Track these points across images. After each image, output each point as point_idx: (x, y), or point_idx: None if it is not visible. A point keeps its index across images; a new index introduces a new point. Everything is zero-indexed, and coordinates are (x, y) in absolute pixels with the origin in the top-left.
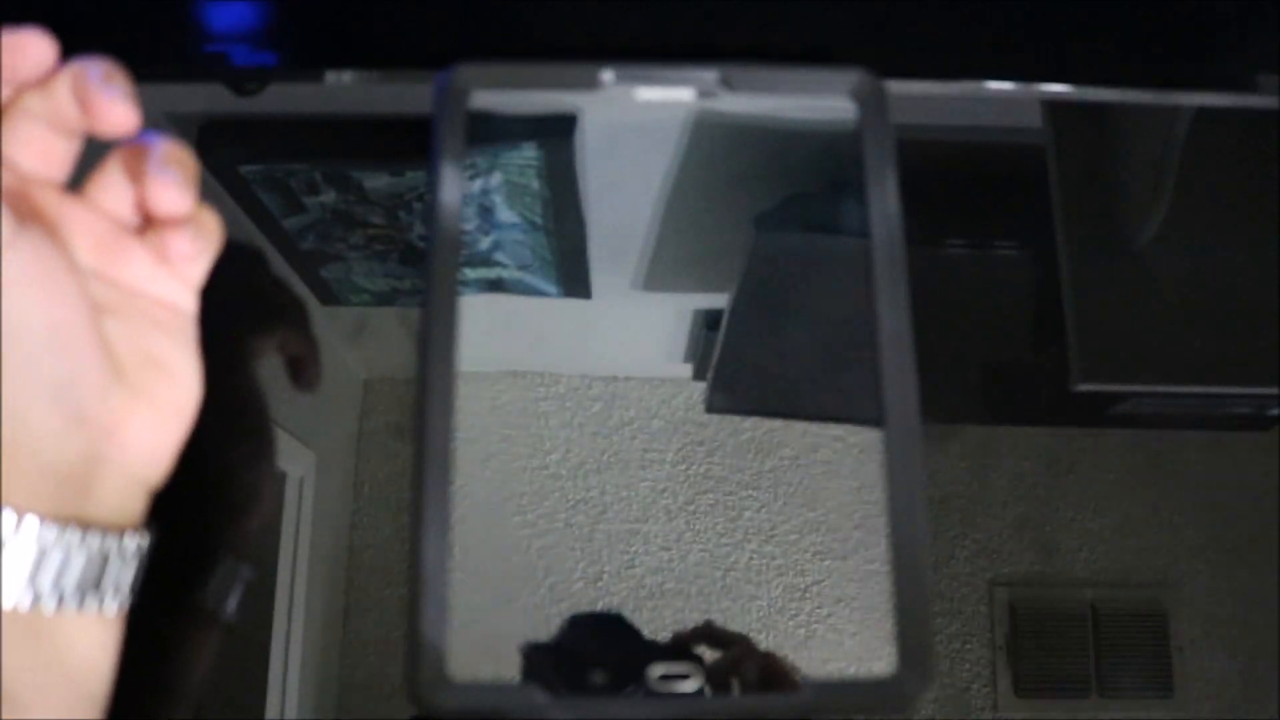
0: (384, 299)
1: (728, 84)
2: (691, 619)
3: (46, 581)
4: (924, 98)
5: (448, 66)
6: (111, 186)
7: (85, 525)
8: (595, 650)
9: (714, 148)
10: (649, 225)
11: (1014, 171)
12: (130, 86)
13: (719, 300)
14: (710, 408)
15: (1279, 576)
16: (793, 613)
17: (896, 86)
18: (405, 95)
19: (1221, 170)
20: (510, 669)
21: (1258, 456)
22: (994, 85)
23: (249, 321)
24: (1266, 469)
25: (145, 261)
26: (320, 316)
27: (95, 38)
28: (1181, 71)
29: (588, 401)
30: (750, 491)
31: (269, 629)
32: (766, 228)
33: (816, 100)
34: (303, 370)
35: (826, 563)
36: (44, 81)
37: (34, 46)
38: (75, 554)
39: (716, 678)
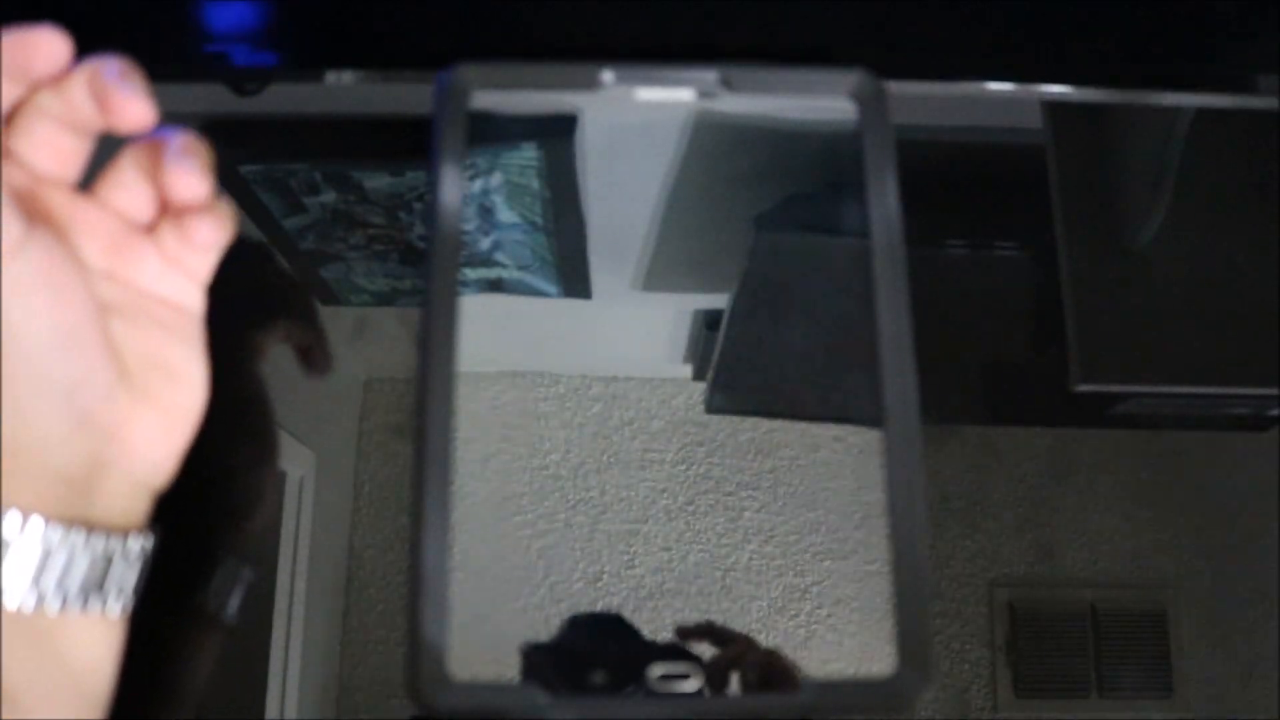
0: (384, 299)
1: (728, 84)
2: (691, 619)
3: (50, 582)
4: (924, 98)
5: (448, 66)
6: (123, 185)
7: (90, 527)
8: (595, 650)
9: (714, 148)
10: (649, 225)
11: (1014, 172)
12: (145, 83)
13: (719, 300)
14: (710, 408)
15: (1279, 576)
16: (793, 613)
17: (896, 86)
18: (405, 95)
19: (1221, 170)
20: (510, 669)
21: (1258, 456)
22: (994, 86)
23: (253, 318)
24: (1266, 469)
25: (155, 261)
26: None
27: (95, 37)
28: (1181, 72)
29: (588, 402)
30: (750, 491)
31: (269, 629)
32: (766, 228)
33: (816, 100)
34: (313, 357)
35: (826, 563)
36: (58, 80)
37: (47, 44)
38: (79, 555)
39: (717, 675)
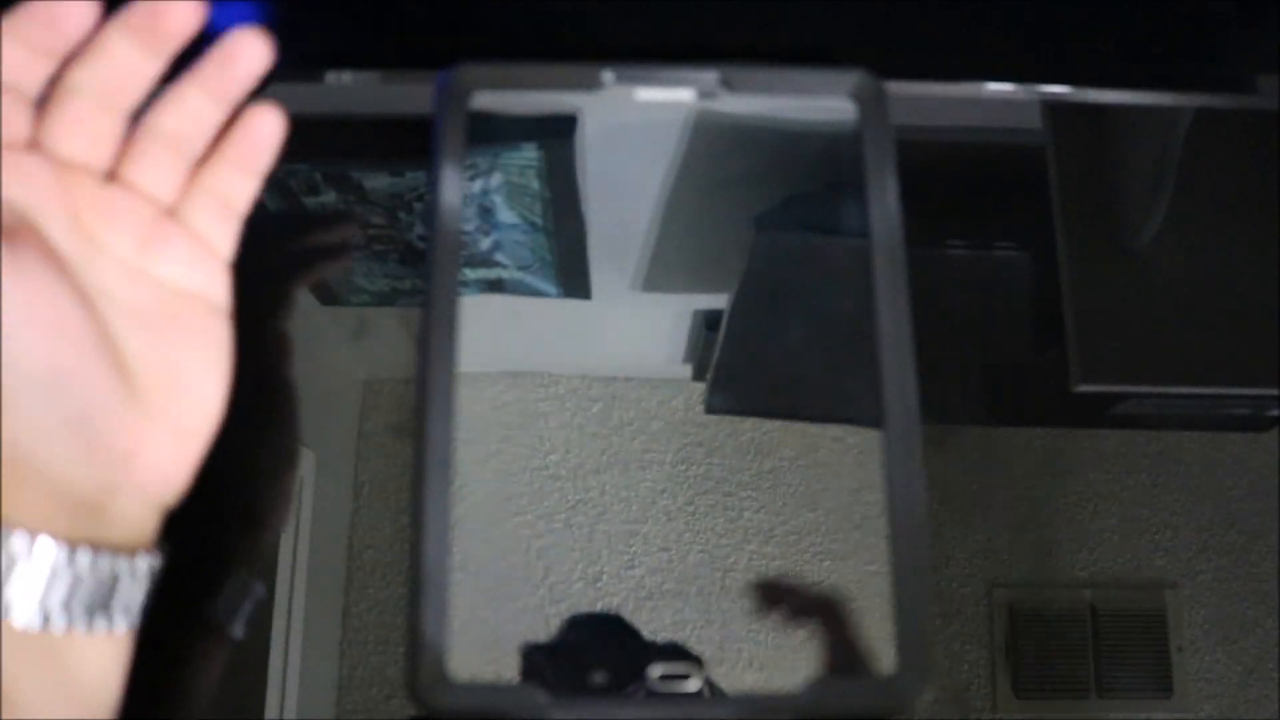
0: (384, 299)
1: (728, 84)
2: (691, 619)
3: (56, 602)
4: (924, 98)
5: (448, 66)
6: (151, 165)
7: (97, 547)
8: (595, 650)
9: (714, 148)
10: (649, 225)
11: (1014, 172)
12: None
13: (719, 300)
14: (710, 408)
15: (1279, 576)
16: None
17: (896, 87)
18: (405, 95)
19: (1221, 170)
20: (510, 669)
21: (1258, 456)
22: (994, 86)
23: (275, 296)
24: (1266, 469)
25: (184, 247)
26: (320, 316)
27: None
28: (1181, 72)
29: (587, 402)
30: (750, 492)
31: (268, 629)
32: (766, 228)
33: (816, 101)
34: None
35: (826, 563)
36: (89, 48)
37: (73, 13)
38: (86, 575)
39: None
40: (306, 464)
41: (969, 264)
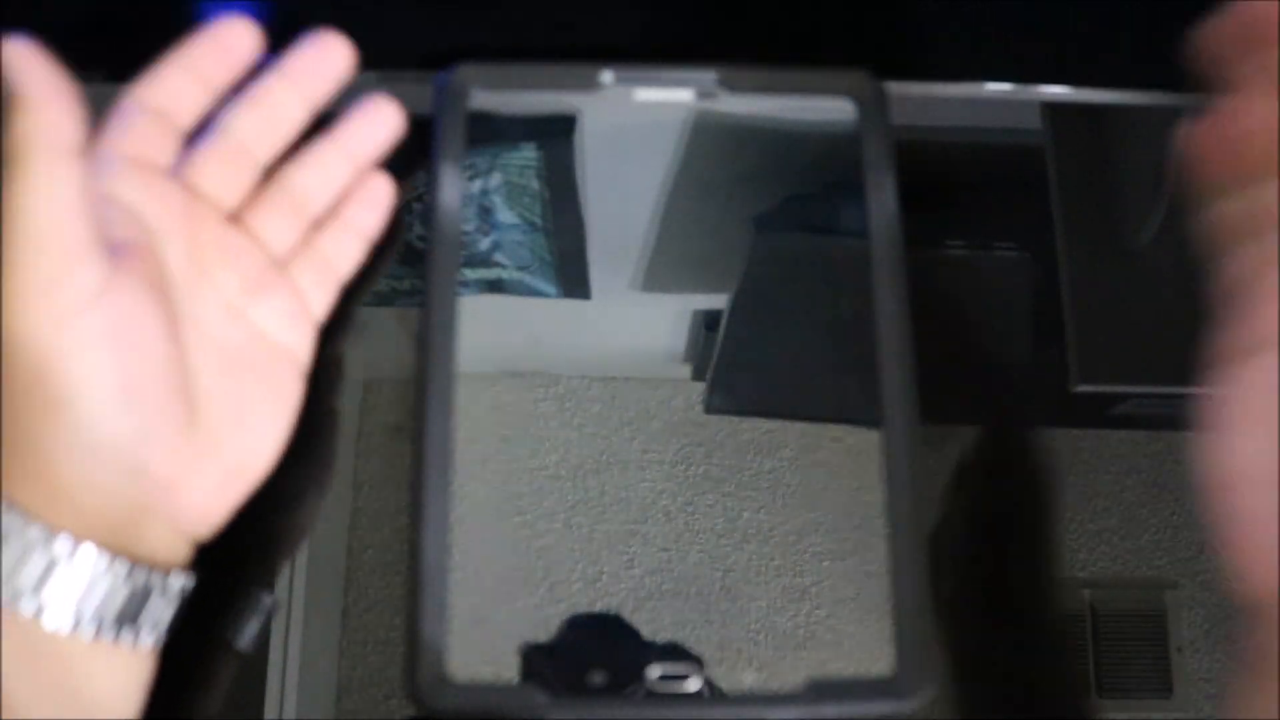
0: (384, 299)
1: (727, 85)
2: (691, 619)
3: (90, 608)
4: (924, 98)
5: (448, 66)
6: (274, 216)
7: (134, 559)
8: (595, 650)
9: (714, 148)
10: (648, 226)
11: (1014, 172)
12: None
13: (719, 300)
14: (709, 408)
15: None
16: (792, 613)
17: (896, 87)
18: (405, 95)
19: None
20: (510, 669)
21: None
22: (994, 86)
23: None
24: None
25: (283, 302)
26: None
27: (95, 37)
28: (1181, 72)
29: (587, 402)
30: (749, 492)
31: (267, 629)
32: (766, 228)
33: (816, 101)
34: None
35: (826, 564)
36: (250, 96)
37: (243, 47)
38: (121, 585)
39: None
40: None
41: (969, 264)
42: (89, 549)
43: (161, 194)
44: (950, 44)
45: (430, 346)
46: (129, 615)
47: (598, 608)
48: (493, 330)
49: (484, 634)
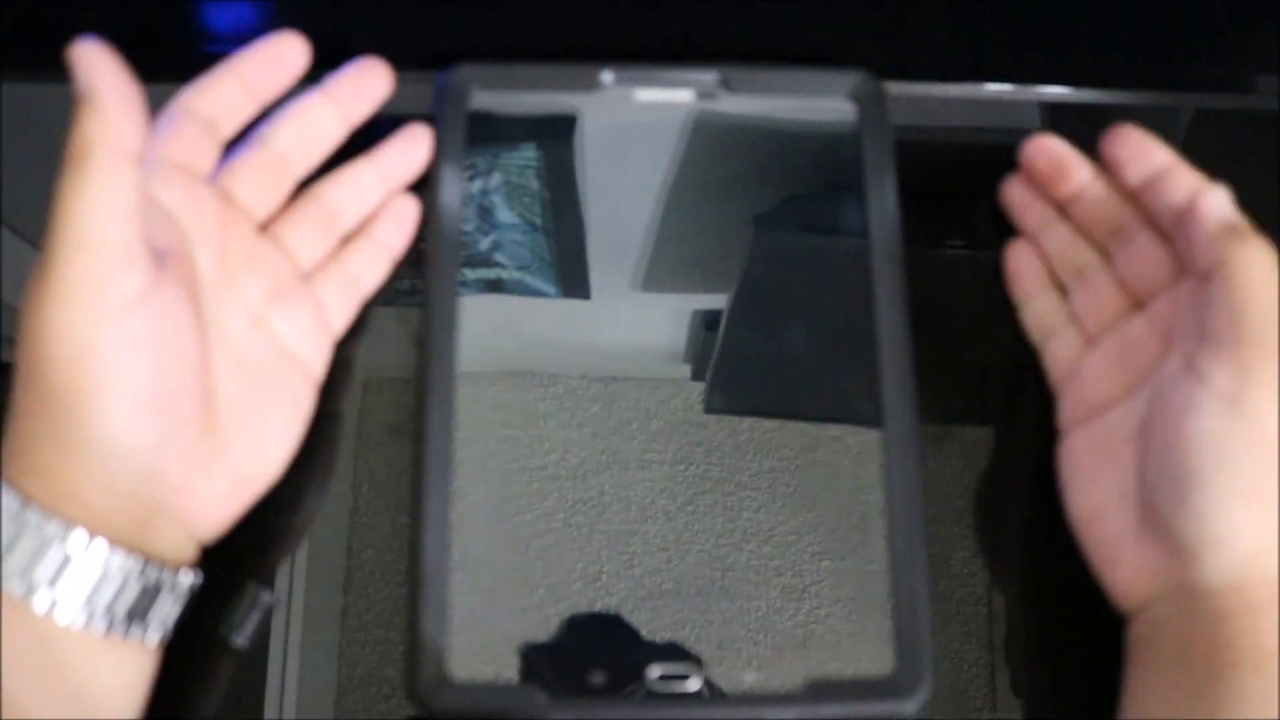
0: (384, 299)
1: (727, 85)
2: (691, 619)
3: (101, 604)
4: (924, 98)
5: (448, 66)
6: (304, 229)
7: (146, 555)
8: (595, 650)
9: (714, 148)
10: (649, 225)
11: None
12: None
13: (719, 300)
14: (709, 408)
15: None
16: (791, 613)
17: (896, 87)
18: (405, 95)
19: (1221, 170)
20: (510, 669)
21: None
22: (994, 86)
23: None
24: None
25: (305, 314)
26: None
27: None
28: (1181, 72)
29: (587, 402)
30: (749, 492)
31: (267, 629)
32: (766, 228)
33: (816, 101)
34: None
35: (825, 563)
36: (292, 112)
37: (295, 61)
38: (133, 581)
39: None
40: None
41: (968, 264)
42: (102, 545)
43: (200, 200)
44: (950, 44)
45: (430, 346)
46: (139, 612)
47: (597, 608)
48: (493, 330)
49: (484, 634)
